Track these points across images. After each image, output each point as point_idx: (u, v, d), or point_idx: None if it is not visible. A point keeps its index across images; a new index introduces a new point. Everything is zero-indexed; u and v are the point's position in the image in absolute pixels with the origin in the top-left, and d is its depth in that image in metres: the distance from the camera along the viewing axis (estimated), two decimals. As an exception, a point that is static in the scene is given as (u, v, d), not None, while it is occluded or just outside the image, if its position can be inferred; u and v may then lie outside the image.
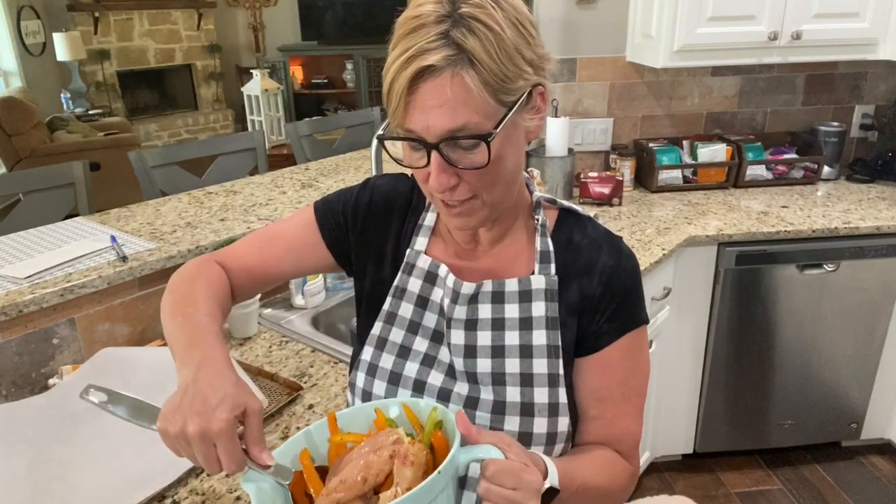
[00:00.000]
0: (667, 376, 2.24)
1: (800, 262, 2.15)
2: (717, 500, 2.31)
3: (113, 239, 1.54)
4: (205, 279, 0.91)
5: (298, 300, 1.70)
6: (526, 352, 0.84)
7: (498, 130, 0.73)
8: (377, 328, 0.90)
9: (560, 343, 0.85)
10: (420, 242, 0.91)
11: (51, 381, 1.31)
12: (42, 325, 1.33)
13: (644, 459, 2.32)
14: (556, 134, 2.40)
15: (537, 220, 0.89)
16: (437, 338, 0.88)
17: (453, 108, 0.71)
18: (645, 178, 2.53)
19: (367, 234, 0.94)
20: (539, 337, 0.84)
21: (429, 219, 0.93)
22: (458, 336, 0.86)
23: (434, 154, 0.73)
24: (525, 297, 0.86)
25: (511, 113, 0.74)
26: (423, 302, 0.89)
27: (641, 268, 1.84)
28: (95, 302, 1.41)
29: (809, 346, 2.27)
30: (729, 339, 2.24)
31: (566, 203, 0.93)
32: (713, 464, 2.46)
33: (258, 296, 1.54)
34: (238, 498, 1.02)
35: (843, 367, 2.32)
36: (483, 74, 0.70)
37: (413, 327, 0.89)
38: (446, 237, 0.92)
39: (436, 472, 0.62)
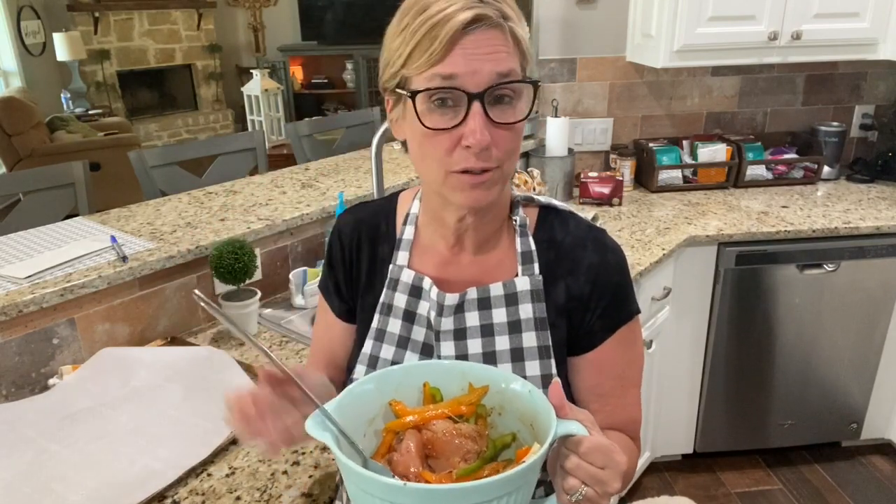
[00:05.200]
0: (667, 376, 2.24)
1: (800, 262, 2.15)
2: (717, 500, 2.31)
3: (113, 239, 1.54)
4: None
5: (298, 300, 1.70)
6: (517, 355, 0.84)
7: (540, 82, 0.76)
8: (368, 346, 0.89)
9: (551, 343, 0.84)
10: (402, 257, 0.90)
11: (51, 381, 1.30)
12: (42, 325, 1.33)
13: (644, 459, 2.32)
14: (556, 134, 2.40)
15: (516, 221, 0.88)
16: (427, 351, 0.87)
17: (507, 55, 0.73)
18: (645, 178, 2.53)
19: (350, 272, 0.95)
20: (529, 339, 0.84)
21: (407, 232, 0.91)
22: (448, 347, 0.85)
23: (476, 105, 0.72)
24: (511, 300, 0.85)
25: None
26: (410, 316, 0.88)
27: (641, 267, 1.85)
28: (95, 302, 1.41)
29: (809, 346, 2.27)
30: (729, 339, 2.24)
31: (544, 199, 0.91)
32: (713, 464, 2.46)
33: (258, 295, 1.54)
34: (238, 498, 1.02)
35: (843, 367, 2.32)
36: (525, 35, 0.75)
37: (402, 342, 0.88)
38: (427, 249, 0.90)
39: (546, 445, 0.62)
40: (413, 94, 0.74)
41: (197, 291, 0.69)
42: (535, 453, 0.62)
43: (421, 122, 0.74)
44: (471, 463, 0.68)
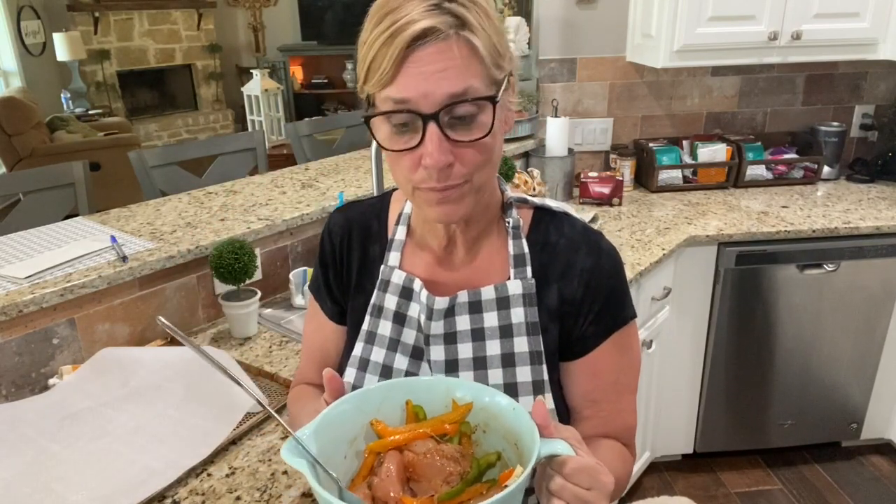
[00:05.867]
0: (667, 376, 2.24)
1: (800, 262, 2.15)
2: (717, 500, 2.31)
3: (113, 239, 1.54)
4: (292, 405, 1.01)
5: (298, 300, 1.70)
6: (508, 360, 0.82)
7: (500, 96, 0.72)
8: (358, 349, 0.88)
9: (542, 349, 0.82)
10: (393, 258, 0.88)
11: (51, 381, 1.30)
12: (42, 325, 1.33)
13: (644, 459, 2.32)
14: (556, 134, 2.40)
15: (508, 223, 0.86)
16: (417, 354, 0.85)
17: (459, 72, 0.68)
18: (645, 178, 2.53)
19: (341, 272, 0.93)
20: (521, 344, 0.82)
21: (399, 233, 0.89)
22: (437, 352, 0.84)
23: (431, 127, 0.69)
24: (503, 303, 0.83)
25: (504, 86, 0.74)
26: (400, 318, 0.86)
27: (641, 267, 1.85)
28: (95, 302, 1.41)
29: (809, 346, 2.27)
30: (729, 339, 2.24)
31: (538, 201, 0.89)
32: (713, 464, 2.46)
33: (258, 295, 1.54)
34: (238, 498, 1.02)
35: (843, 367, 2.32)
36: (485, 41, 0.70)
37: (392, 345, 0.86)
38: (419, 249, 0.88)
39: (527, 470, 0.60)
40: (367, 119, 0.74)
41: (161, 318, 0.68)
42: (517, 478, 0.60)
43: (380, 144, 0.74)
44: (453, 485, 0.66)
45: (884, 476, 2.40)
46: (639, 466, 2.30)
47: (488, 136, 0.72)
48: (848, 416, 2.40)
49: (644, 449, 2.30)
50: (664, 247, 1.98)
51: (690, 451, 2.42)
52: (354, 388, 0.85)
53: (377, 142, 0.75)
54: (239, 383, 0.69)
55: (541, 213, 0.89)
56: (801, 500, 2.30)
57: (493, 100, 0.71)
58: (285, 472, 1.07)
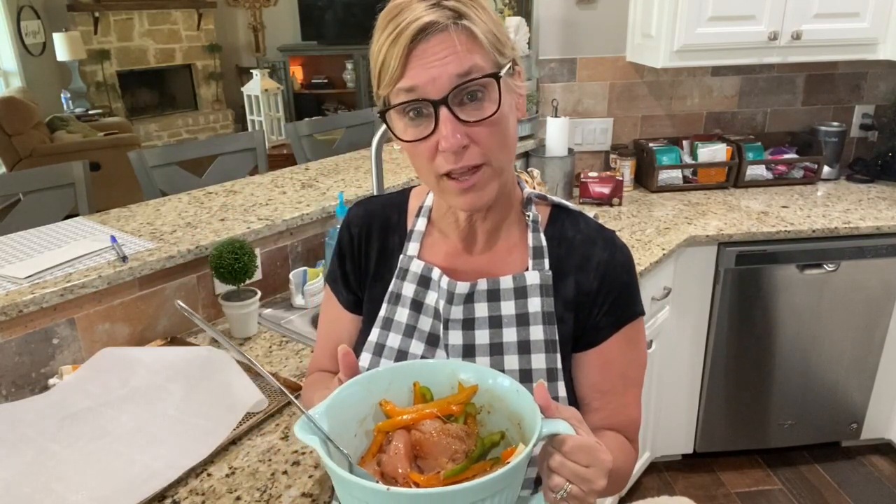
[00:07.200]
0: (667, 376, 2.24)
1: (800, 262, 2.15)
2: (717, 500, 2.31)
3: (113, 239, 1.54)
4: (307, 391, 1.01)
5: (298, 300, 1.70)
6: (524, 347, 0.85)
7: (503, 73, 0.75)
8: (374, 335, 0.91)
9: (557, 337, 0.85)
10: (412, 248, 0.92)
11: (51, 381, 1.30)
12: (42, 325, 1.33)
13: (644, 459, 2.32)
14: (556, 134, 2.40)
15: (528, 217, 0.90)
16: (433, 341, 0.88)
17: (461, 55, 0.73)
18: (645, 178, 2.53)
19: (359, 263, 0.96)
20: (536, 332, 0.85)
21: (419, 224, 0.93)
22: (455, 336, 0.87)
23: (443, 110, 0.73)
24: (520, 293, 0.86)
25: (507, 67, 0.77)
26: (417, 306, 0.89)
27: (641, 268, 1.85)
28: (95, 302, 1.41)
29: (809, 346, 2.27)
30: (729, 339, 2.24)
31: (556, 199, 0.93)
32: (713, 464, 2.46)
33: (258, 295, 1.54)
34: (238, 498, 1.02)
35: (843, 367, 2.32)
36: (483, 29, 0.74)
37: (409, 331, 0.89)
38: (439, 241, 0.92)
39: (529, 446, 0.63)
40: (383, 113, 0.78)
41: (180, 302, 0.69)
42: (518, 455, 0.62)
43: (398, 137, 0.78)
44: (459, 463, 0.68)
45: (884, 476, 2.40)
46: (639, 466, 2.30)
47: (498, 113, 0.75)
48: (848, 416, 2.40)
49: (644, 449, 2.30)
50: (664, 247, 1.98)
51: (690, 451, 2.42)
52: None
53: (395, 137, 0.78)
54: (252, 363, 0.70)
55: (558, 210, 0.93)
56: (801, 500, 2.30)
57: (497, 76, 0.74)
58: (285, 473, 1.08)
